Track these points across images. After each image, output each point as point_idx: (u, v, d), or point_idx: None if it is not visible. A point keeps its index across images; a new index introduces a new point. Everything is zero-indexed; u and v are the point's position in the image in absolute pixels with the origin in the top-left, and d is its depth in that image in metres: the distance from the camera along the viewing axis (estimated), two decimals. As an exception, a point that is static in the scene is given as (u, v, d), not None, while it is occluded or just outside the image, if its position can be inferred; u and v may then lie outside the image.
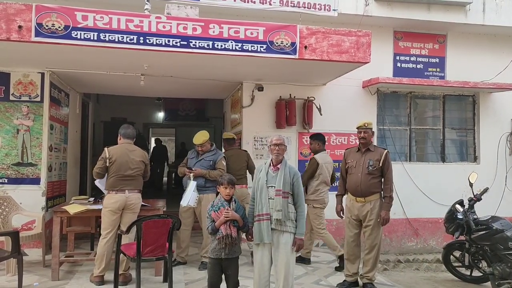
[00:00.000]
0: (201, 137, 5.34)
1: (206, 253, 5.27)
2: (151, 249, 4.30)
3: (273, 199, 3.67)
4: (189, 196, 4.97)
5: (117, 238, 4.63)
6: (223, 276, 3.82)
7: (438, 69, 7.36)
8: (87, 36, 4.60)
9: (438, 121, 7.54)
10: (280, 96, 6.68)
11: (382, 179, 4.71)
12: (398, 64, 7.23)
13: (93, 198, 5.40)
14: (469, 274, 5.63)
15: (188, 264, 5.54)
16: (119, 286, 4.55)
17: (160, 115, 13.28)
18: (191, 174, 5.15)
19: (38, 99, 5.90)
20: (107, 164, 4.62)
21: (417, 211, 7.10)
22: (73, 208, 4.82)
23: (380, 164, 4.65)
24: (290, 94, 6.67)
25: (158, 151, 13.23)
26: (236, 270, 3.83)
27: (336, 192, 5.05)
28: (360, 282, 4.84)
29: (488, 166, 7.37)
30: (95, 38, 4.62)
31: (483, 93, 7.48)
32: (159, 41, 4.74)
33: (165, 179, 13.97)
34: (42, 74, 5.91)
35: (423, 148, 7.56)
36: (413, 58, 7.28)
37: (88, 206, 4.92)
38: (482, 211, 5.45)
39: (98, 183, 4.91)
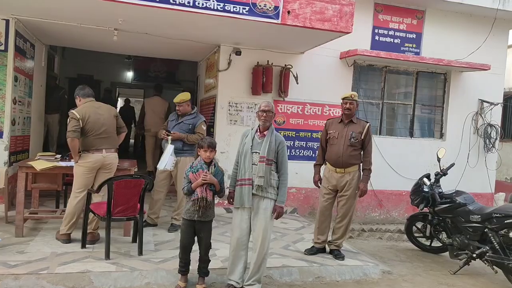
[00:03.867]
0: (180, 96, 5.21)
1: (177, 216, 5.25)
2: (122, 209, 4.24)
3: (257, 165, 3.67)
4: (166, 159, 4.89)
5: (86, 196, 4.53)
6: (195, 238, 3.83)
7: (414, 45, 7.40)
8: (59, -18, 4.31)
9: (410, 97, 7.66)
10: (258, 62, 6.56)
11: (362, 152, 4.77)
12: (376, 37, 7.21)
13: (60, 155, 5.21)
14: (429, 244, 5.88)
15: (158, 225, 5.50)
16: (86, 245, 4.49)
17: (129, 74, 12.83)
18: (169, 137, 5.05)
19: (2, 47, 5.54)
20: (82, 125, 4.38)
21: (383, 183, 7.25)
22: (40, 164, 4.64)
23: (362, 137, 4.70)
24: (268, 61, 6.56)
25: (125, 112, 12.83)
26: (209, 233, 3.86)
27: (315, 162, 5.06)
28: (328, 249, 4.97)
29: (453, 143, 7.60)
30: (68, -15, 4.34)
31: (455, 72, 7.63)
32: (137, -6, 4.50)
33: (131, 141, 13.64)
34: (7, 21, 5.53)
35: (393, 123, 7.69)
36: (391, 32, 7.27)
37: (55, 163, 4.74)
38: (442, 186, 5.62)
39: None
